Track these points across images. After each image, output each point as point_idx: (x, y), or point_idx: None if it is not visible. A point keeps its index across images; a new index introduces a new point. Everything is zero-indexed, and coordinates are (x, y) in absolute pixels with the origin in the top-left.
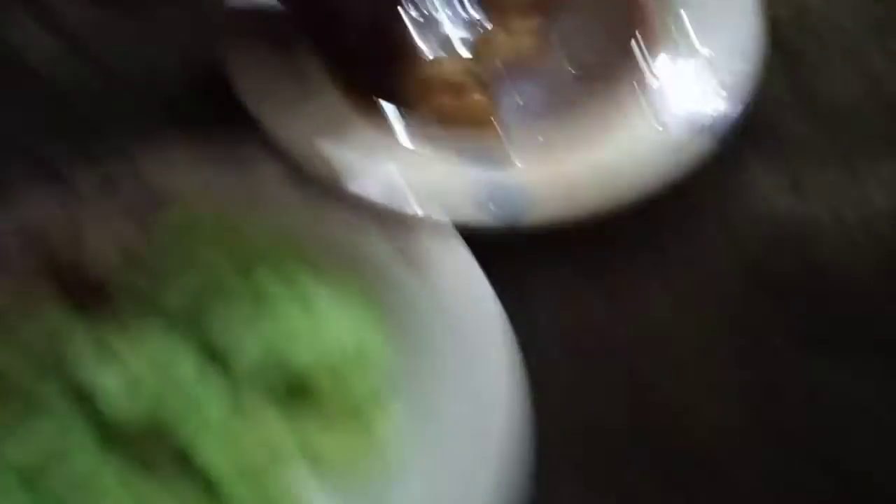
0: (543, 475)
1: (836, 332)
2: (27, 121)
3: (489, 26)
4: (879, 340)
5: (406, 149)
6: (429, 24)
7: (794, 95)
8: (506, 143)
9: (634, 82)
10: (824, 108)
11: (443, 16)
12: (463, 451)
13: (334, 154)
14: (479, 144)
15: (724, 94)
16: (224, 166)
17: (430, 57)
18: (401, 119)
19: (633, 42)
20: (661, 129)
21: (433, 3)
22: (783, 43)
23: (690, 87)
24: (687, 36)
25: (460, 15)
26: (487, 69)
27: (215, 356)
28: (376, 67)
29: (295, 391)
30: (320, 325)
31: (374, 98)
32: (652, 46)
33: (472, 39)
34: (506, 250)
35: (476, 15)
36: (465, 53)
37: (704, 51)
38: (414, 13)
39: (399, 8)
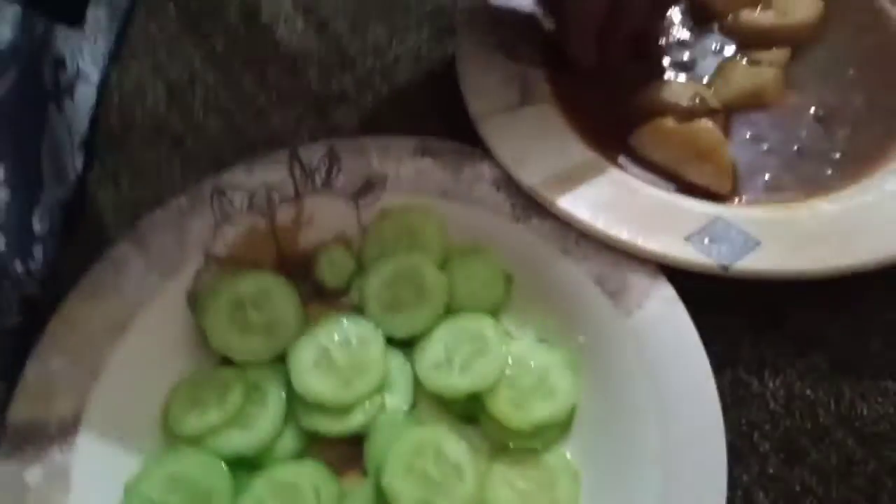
0: None
1: None
2: (266, 88)
3: (732, 54)
4: None
5: (622, 172)
6: (670, 47)
7: None
8: (731, 177)
9: (888, 135)
10: None
11: (684, 38)
12: None
13: (549, 169)
14: (702, 174)
15: None
16: (442, 160)
17: (665, 78)
18: (623, 142)
19: (890, 94)
20: None
21: (674, 25)
22: None
23: None
24: None
25: (703, 39)
26: (722, 97)
27: (405, 354)
28: (606, 85)
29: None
30: (519, 371)
31: (597, 117)
32: None
33: (712, 65)
34: (717, 303)
35: (719, 41)
36: (702, 79)
37: None
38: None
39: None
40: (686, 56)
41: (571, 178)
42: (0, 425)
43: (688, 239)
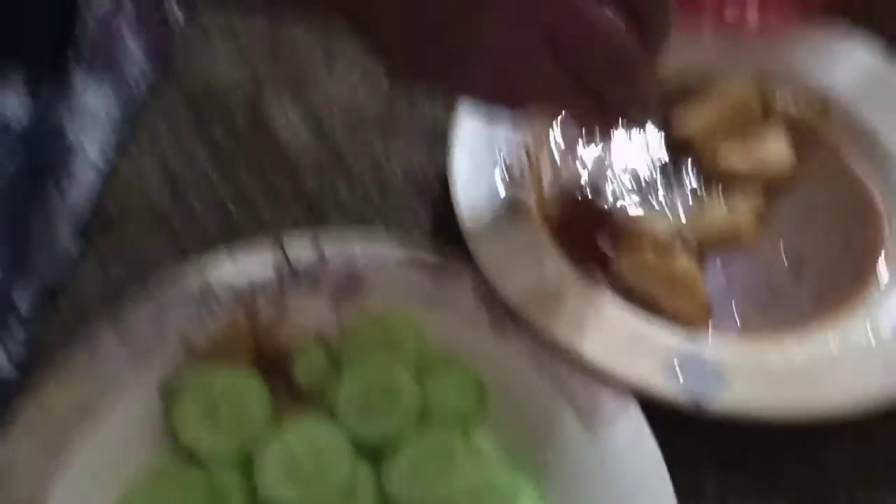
0: None
1: None
2: (261, 187)
3: (708, 199)
4: None
5: (602, 295)
6: (649, 187)
7: None
8: (706, 313)
9: (855, 289)
10: None
11: (662, 171)
12: None
13: (531, 286)
14: (679, 308)
15: None
16: (427, 269)
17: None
18: (605, 269)
19: (858, 248)
20: (880, 344)
21: (654, 168)
22: None
23: None
24: None
25: (682, 182)
26: (698, 235)
27: (373, 464)
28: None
29: None
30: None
31: (582, 239)
32: (879, 255)
33: (689, 208)
34: (684, 434)
35: (696, 186)
36: (679, 213)
37: None
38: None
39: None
40: (665, 189)
41: (553, 297)
42: None
43: (661, 370)
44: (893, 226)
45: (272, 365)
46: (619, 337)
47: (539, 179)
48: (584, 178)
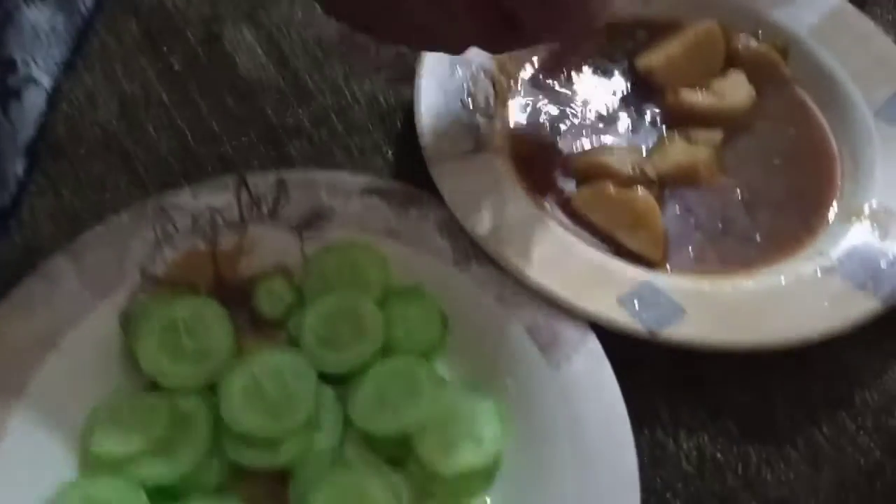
0: None
1: None
2: (218, 112)
3: (670, 129)
4: None
5: (562, 230)
6: (610, 119)
7: None
8: (662, 246)
9: (806, 227)
10: None
11: (627, 108)
12: None
13: (494, 219)
14: (635, 240)
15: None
16: (390, 199)
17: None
18: (567, 203)
19: (812, 188)
20: (824, 276)
21: (616, 103)
22: None
23: (864, 241)
24: (870, 191)
25: (645, 111)
26: (658, 169)
27: (338, 392)
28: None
29: (397, 461)
30: (449, 416)
31: (544, 172)
32: (831, 195)
33: (649, 143)
34: (639, 365)
35: (659, 116)
36: (641, 149)
37: (886, 210)
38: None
39: None
40: (628, 124)
41: (515, 231)
42: None
43: (619, 302)
44: (846, 167)
45: (233, 295)
46: (578, 270)
47: (505, 112)
48: (549, 112)
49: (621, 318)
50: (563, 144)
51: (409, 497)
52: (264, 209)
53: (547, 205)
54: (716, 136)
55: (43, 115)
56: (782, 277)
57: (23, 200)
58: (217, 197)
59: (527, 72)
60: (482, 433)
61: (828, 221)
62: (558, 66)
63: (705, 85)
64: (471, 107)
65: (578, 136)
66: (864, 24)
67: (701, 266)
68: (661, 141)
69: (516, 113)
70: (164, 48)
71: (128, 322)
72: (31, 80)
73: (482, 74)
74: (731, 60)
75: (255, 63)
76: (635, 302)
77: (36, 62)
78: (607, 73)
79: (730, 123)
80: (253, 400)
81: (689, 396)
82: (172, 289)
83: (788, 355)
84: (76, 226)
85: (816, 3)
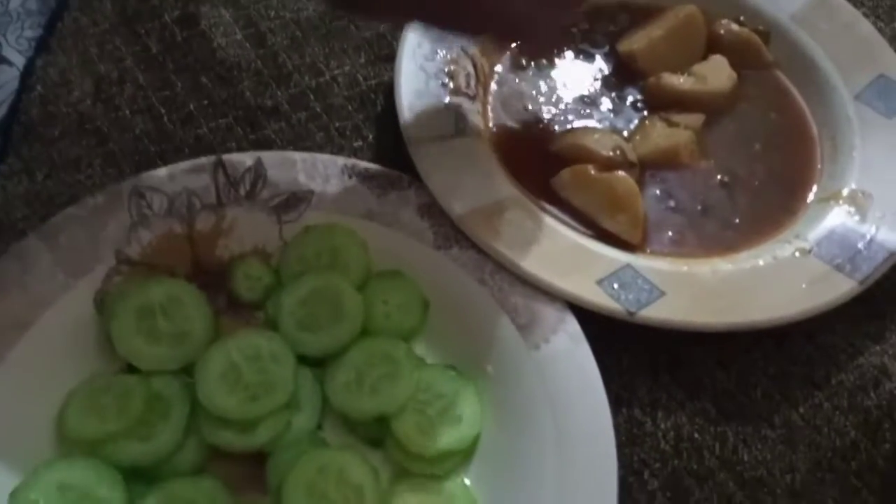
0: None
1: None
2: (195, 93)
3: (651, 113)
4: None
5: (542, 212)
6: (592, 102)
7: None
8: (642, 228)
9: (784, 207)
10: None
11: (608, 91)
12: None
13: (475, 202)
14: (615, 222)
15: (873, 238)
16: (369, 182)
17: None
18: (547, 185)
19: (791, 171)
20: (803, 258)
21: (598, 85)
22: None
23: (842, 224)
24: (849, 175)
25: (626, 95)
26: (639, 152)
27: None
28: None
29: (376, 441)
30: (428, 397)
31: (525, 155)
32: (809, 178)
33: (632, 120)
34: (618, 346)
35: (641, 99)
36: (622, 132)
37: (864, 192)
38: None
39: None
40: (609, 107)
41: (495, 213)
42: None
43: (598, 283)
44: (826, 151)
45: (211, 278)
46: (558, 252)
47: (486, 94)
48: (530, 95)
49: (600, 299)
50: (544, 127)
51: (387, 476)
52: (242, 191)
53: (527, 187)
54: (697, 119)
55: (15, 96)
56: (761, 260)
57: None
58: (194, 178)
59: (508, 54)
60: (461, 414)
61: (807, 204)
62: (539, 50)
63: (687, 69)
64: (452, 89)
65: (559, 119)
66: (845, 9)
67: (680, 248)
68: (641, 124)
69: (498, 95)
70: (140, 28)
71: (103, 304)
72: (3, 60)
73: (464, 56)
74: (713, 45)
75: (233, 43)
76: (614, 283)
77: (7, 40)
78: (589, 57)
79: (711, 107)
80: (231, 382)
81: (667, 377)
82: (149, 271)
83: (766, 336)
84: (50, 208)
85: None
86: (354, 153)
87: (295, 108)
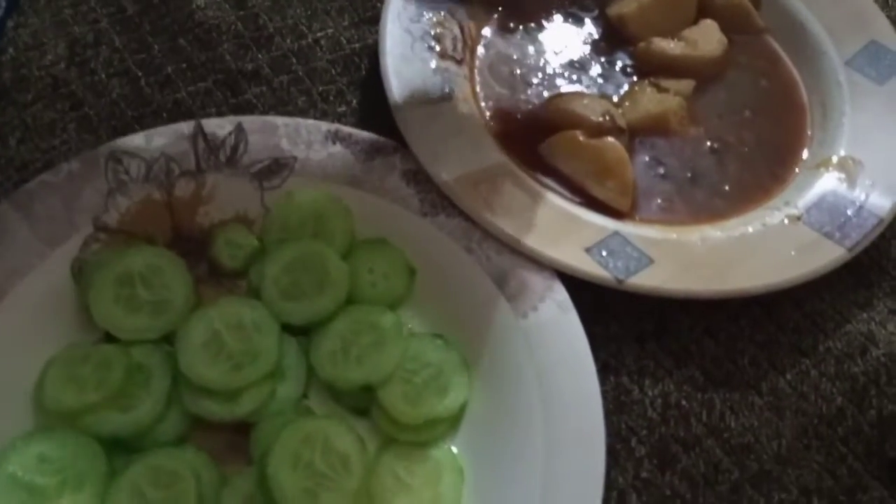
0: None
1: None
2: (172, 56)
3: (641, 78)
4: None
5: (530, 179)
6: (581, 67)
7: None
8: (631, 195)
9: (773, 174)
10: None
11: (598, 56)
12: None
13: (462, 168)
14: (604, 189)
15: (863, 205)
16: (354, 148)
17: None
18: (535, 152)
19: (780, 138)
20: (792, 225)
21: (588, 51)
22: None
23: (831, 190)
24: (838, 141)
25: (616, 60)
26: (628, 118)
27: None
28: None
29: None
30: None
31: (513, 121)
32: (799, 146)
33: (622, 86)
34: (606, 313)
35: (631, 65)
36: (611, 97)
37: (854, 159)
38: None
39: None
40: (598, 73)
41: (483, 180)
42: None
43: (586, 250)
44: (816, 117)
45: (191, 246)
46: (546, 220)
47: (473, 58)
48: (518, 59)
49: (589, 266)
50: (532, 92)
51: (373, 445)
52: (222, 157)
53: (515, 153)
54: (687, 85)
55: None
56: (750, 227)
57: None
58: (172, 144)
59: (496, 17)
60: (448, 383)
61: (796, 171)
62: (528, 12)
63: (677, 34)
64: (438, 52)
65: (548, 83)
66: None
67: (669, 216)
68: (631, 90)
69: (485, 59)
70: None
71: (80, 273)
72: None
73: (450, 19)
74: (704, 9)
75: (212, 4)
76: (603, 251)
77: None
78: (578, 21)
79: (701, 73)
80: (213, 352)
81: (654, 344)
82: (127, 239)
83: (754, 304)
84: (24, 175)
85: None
86: (338, 118)
87: (276, 71)
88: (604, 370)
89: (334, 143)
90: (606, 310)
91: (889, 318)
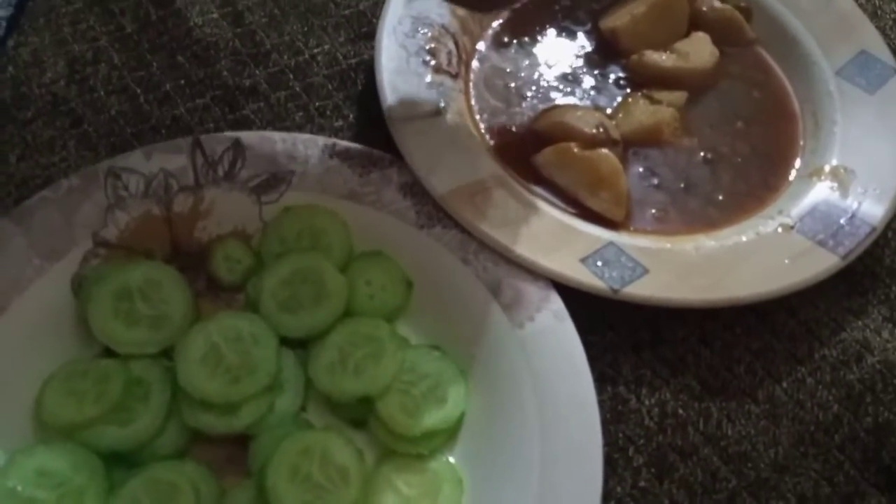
0: None
1: None
2: (171, 73)
3: (634, 91)
4: None
5: (526, 191)
6: (574, 79)
7: None
8: (625, 205)
9: (766, 183)
10: None
11: (591, 69)
12: None
13: (457, 181)
14: (599, 200)
15: (855, 214)
16: (350, 161)
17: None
18: (530, 163)
19: (773, 148)
20: (785, 234)
21: (581, 63)
22: None
23: (824, 199)
24: (830, 150)
25: (609, 73)
26: (622, 130)
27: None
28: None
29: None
30: (412, 377)
31: (508, 133)
32: (791, 155)
33: (615, 98)
34: (602, 323)
35: (623, 77)
36: (605, 109)
37: (846, 168)
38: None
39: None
40: (591, 85)
41: (478, 192)
42: None
43: (582, 261)
44: (807, 127)
45: (190, 260)
46: (542, 231)
47: (468, 72)
48: (512, 72)
49: (584, 276)
50: (526, 105)
51: (372, 457)
52: (220, 172)
53: (510, 166)
54: (680, 97)
55: None
56: (744, 236)
57: None
58: (171, 159)
59: (490, 32)
60: (446, 394)
61: (789, 180)
62: (522, 26)
63: (669, 46)
64: (433, 66)
65: (542, 96)
66: None
67: (663, 226)
68: (624, 102)
69: (479, 73)
70: (114, 7)
71: (80, 288)
72: None
73: (445, 34)
74: (695, 22)
75: (210, 22)
76: (598, 261)
77: None
78: (571, 35)
79: (693, 84)
80: (211, 365)
81: (650, 354)
82: (127, 254)
83: (749, 312)
84: (24, 191)
85: None
86: (335, 133)
87: (274, 87)
88: (600, 379)
89: (331, 157)
90: (602, 319)
91: (884, 325)
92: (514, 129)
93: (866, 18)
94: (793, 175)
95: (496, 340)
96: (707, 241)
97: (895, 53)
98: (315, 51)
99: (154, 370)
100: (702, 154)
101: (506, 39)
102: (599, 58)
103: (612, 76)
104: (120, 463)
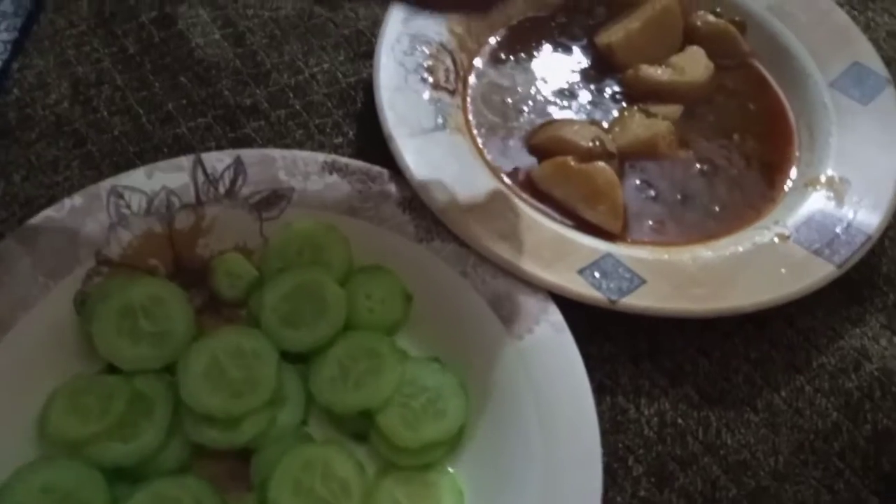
0: None
1: None
2: (173, 93)
3: (630, 104)
4: None
5: (524, 204)
6: (570, 94)
7: None
8: (622, 218)
9: (762, 194)
10: None
11: (587, 83)
12: None
13: (456, 195)
14: (596, 212)
15: (851, 223)
16: (350, 177)
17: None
18: (528, 177)
19: (768, 160)
20: (782, 244)
21: (577, 77)
22: None
23: (820, 209)
24: (826, 161)
25: (605, 87)
26: (618, 143)
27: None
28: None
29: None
30: (412, 390)
31: (505, 148)
32: (787, 167)
33: (611, 112)
34: (600, 334)
35: (619, 91)
36: (601, 123)
37: (841, 178)
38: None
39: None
40: (588, 100)
41: (476, 205)
42: None
43: (580, 272)
44: (803, 138)
45: (192, 276)
46: (540, 244)
47: (465, 88)
48: (509, 88)
49: (582, 288)
50: (523, 120)
51: (373, 470)
52: (221, 189)
53: (508, 180)
54: (675, 110)
55: None
56: (740, 246)
57: None
58: (172, 177)
59: (487, 48)
60: (446, 406)
61: (785, 191)
62: (518, 43)
63: (664, 60)
64: (431, 83)
65: (539, 111)
66: None
67: (660, 237)
68: (620, 115)
69: (477, 89)
70: (117, 29)
71: (83, 306)
72: None
73: (443, 51)
74: (690, 36)
75: (211, 43)
76: (596, 272)
77: None
78: (567, 50)
79: (689, 98)
80: (214, 380)
81: (649, 364)
82: (130, 271)
83: (747, 322)
84: (28, 210)
85: None
86: (335, 149)
87: (274, 106)
88: (599, 390)
89: (331, 173)
90: (601, 330)
91: (881, 332)
92: (511, 143)
93: (859, 31)
94: (788, 186)
95: (495, 352)
96: (704, 252)
97: (888, 65)
98: (315, 70)
99: (157, 386)
100: (698, 166)
101: (503, 56)
102: (595, 73)
103: (608, 90)
104: (123, 478)
